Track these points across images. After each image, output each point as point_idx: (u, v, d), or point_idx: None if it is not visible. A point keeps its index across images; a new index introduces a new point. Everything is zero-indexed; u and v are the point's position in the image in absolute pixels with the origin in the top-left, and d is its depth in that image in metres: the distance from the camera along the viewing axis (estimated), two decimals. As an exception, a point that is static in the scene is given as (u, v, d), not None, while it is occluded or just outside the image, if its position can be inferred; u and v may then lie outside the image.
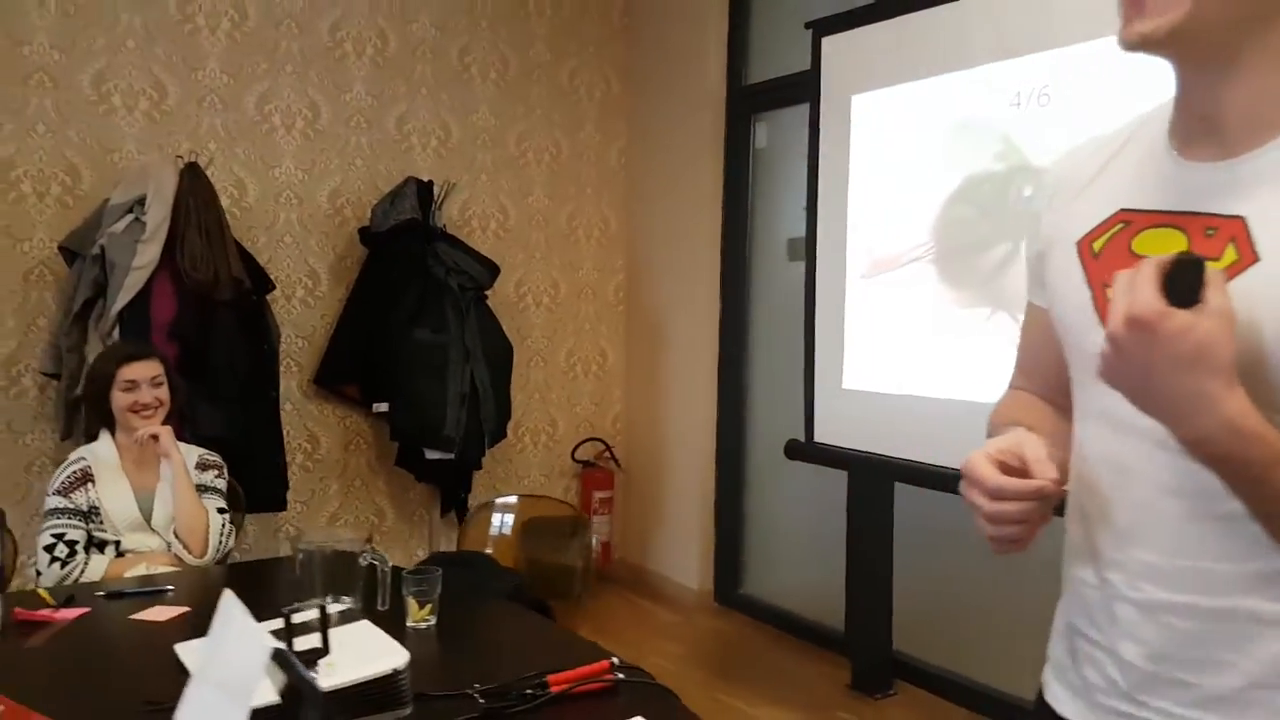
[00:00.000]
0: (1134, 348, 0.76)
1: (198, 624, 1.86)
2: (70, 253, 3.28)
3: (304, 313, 3.87)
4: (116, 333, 3.14)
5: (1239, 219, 0.82)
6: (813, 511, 3.88)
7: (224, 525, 2.45)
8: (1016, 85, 2.45)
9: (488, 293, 3.97)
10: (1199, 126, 0.88)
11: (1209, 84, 0.85)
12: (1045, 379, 1.09)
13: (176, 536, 2.38)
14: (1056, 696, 1.01)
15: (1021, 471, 0.88)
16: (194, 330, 3.20)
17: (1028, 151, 2.44)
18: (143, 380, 2.45)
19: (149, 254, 3.15)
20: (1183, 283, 0.75)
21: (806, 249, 3.07)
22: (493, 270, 3.92)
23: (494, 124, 4.26)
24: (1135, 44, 0.85)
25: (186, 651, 1.38)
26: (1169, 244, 0.86)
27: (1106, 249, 0.92)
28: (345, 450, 4.01)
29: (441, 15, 4.09)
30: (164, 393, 2.48)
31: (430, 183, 3.89)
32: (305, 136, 3.85)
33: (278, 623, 1.45)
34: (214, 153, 3.62)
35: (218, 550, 2.42)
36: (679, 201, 4.34)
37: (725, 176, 4.14)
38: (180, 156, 3.43)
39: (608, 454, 4.63)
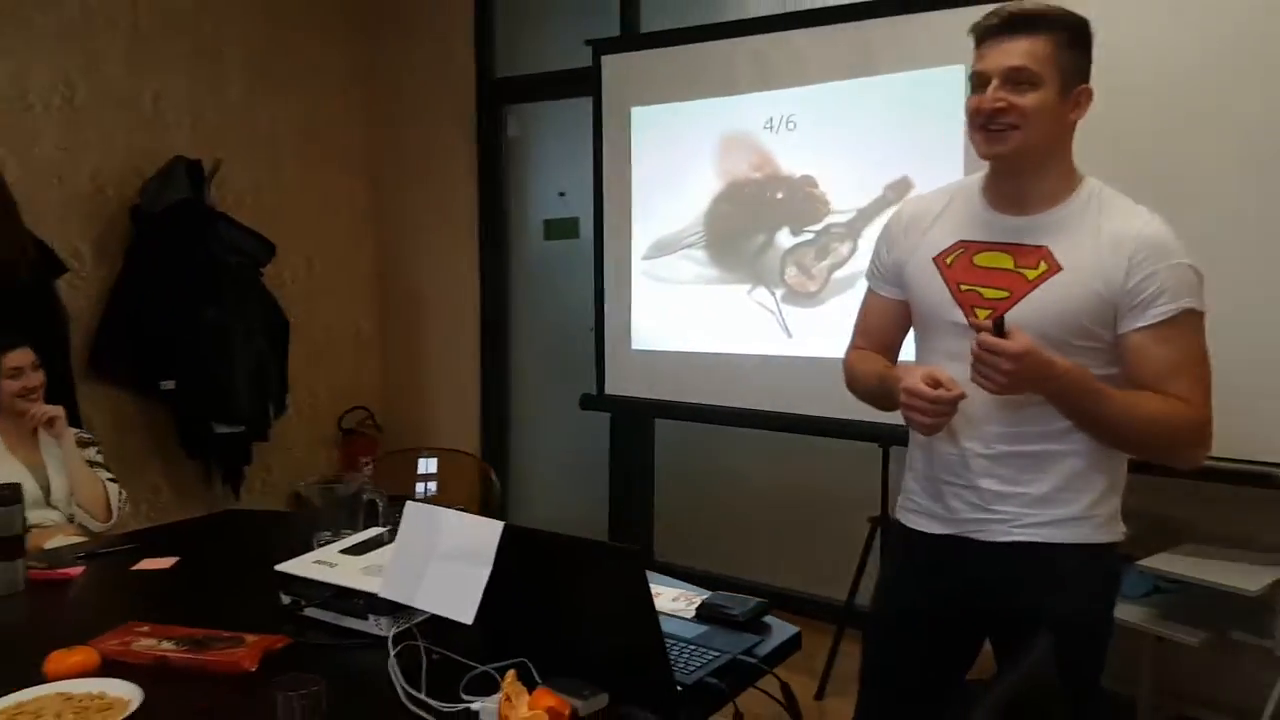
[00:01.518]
0: (1025, 364, 1.45)
1: (197, 568, 2.13)
2: None
3: (70, 294, 3.78)
4: (-96, 320, 3.01)
5: (1044, 247, 1.57)
6: (572, 455, 4.53)
7: (120, 491, 2.62)
8: (770, 111, 3.22)
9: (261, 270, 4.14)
10: (1007, 198, 1.61)
11: (1020, 179, 1.59)
12: (881, 342, 1.82)
13: (80, 507, 2.51)
14: (922, 525, 1.72)
15: (935, 386, 1.54)
16: (-4, 315, 3.14)
17: (780, 164, 3.23)
18: (25, 366, 2.54)
19: (-62, 238, 3.05)
20: (1000, 329, 1.48)
21: (595, 235, 3.67)
22: (269, 248, 4.10)
23: (245, 100, 4.37)
24: (991, 158, 1.58)
25: (294, 565, 1.73)
26: (1000, 260, 1.60)
27: (956, 263, 1.65)
28: (117, 431, 3.99)
29: (195, -7, 4.15)
30: (41, 375, 2.58)
31: (199, 161, 3.98)
32: (63, 115, 3.76)
33: (350, 540, 1.86)
34: (-31, 129, 3.47)
35: (118, 514, 2.58)
36: (433, 182, 4.73)
37: (479, 161, 4.61)
38: (-53, 135, 3.29)
39: (370, 421, 4.94)
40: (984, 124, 1.55)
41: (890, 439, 2.97)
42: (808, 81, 3.14)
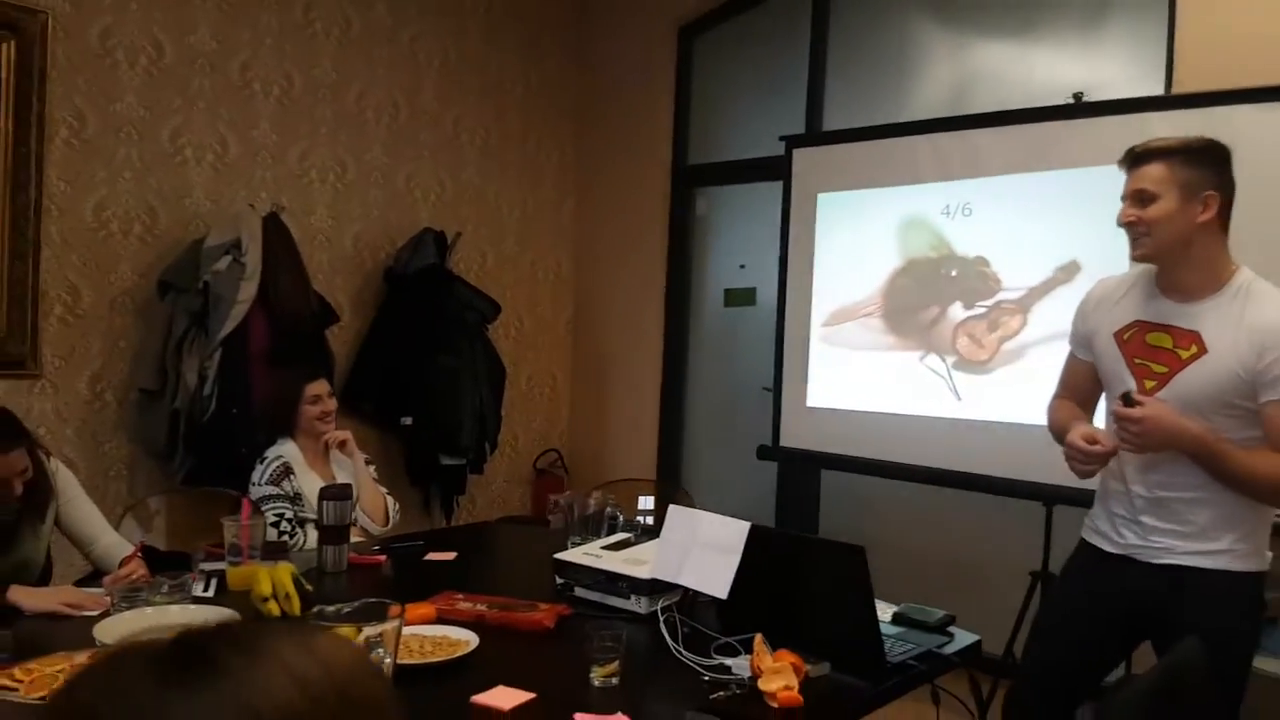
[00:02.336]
0: (1147, 427, 1.85)
1: (473, 560, 2.64)
2: (164, 285, 3.80)
3: (331, 340, 4.47)
4: (218, 356, 3.71)
5: (1196, 332, 1.93)
6: (741, 505, 4.91)
7: (394, 503, 3.19)
8: (948, 199, 3.61)
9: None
10: (1170, 285, 1.99)
11: (1170, 272, 1.97)
12: (1078, 394, 2.21)
13: (364, 513, 3.08)
14: (1098, 542, 2.10)
15: (1093, 441, 1.96)
16: (284, 355, 3.81)
17: (955, 246, 3.60)
18: (323, 394, 3.15)
19: (250, 290, 3.74)
20: (1131, 402, 1.87)
21: (778, 302, 4.11)
22: (495, 307, 4.73)
23: (478, 182, 5.06)
24: (1138, 260, 1.98)
25: (569, 555, 2.21)
26: (1164, 340, 1.97)
27: (1131, 338, 2.03)
28: (355, 458, 4.65)
29: (442, 90, 4.87)
30: (334, 402, 3.19)
31: (443, 233, 4.65)
32: (335, 189, 4.51)
33: (604, 541, 2.32)
34: (264, 200, 4.20)
35: (392, 521, 3.15)
36: (628, 253, 5.30)
37: (670, 236, 5.15)
38: (252, 205, 4.02)
39: (559, 463, 5.49)
40: (1128, 234, 2.00)
41: (1054, 498, 3.24)
42: (984, 174, 3.52)
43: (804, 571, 1.85)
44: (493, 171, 5.12)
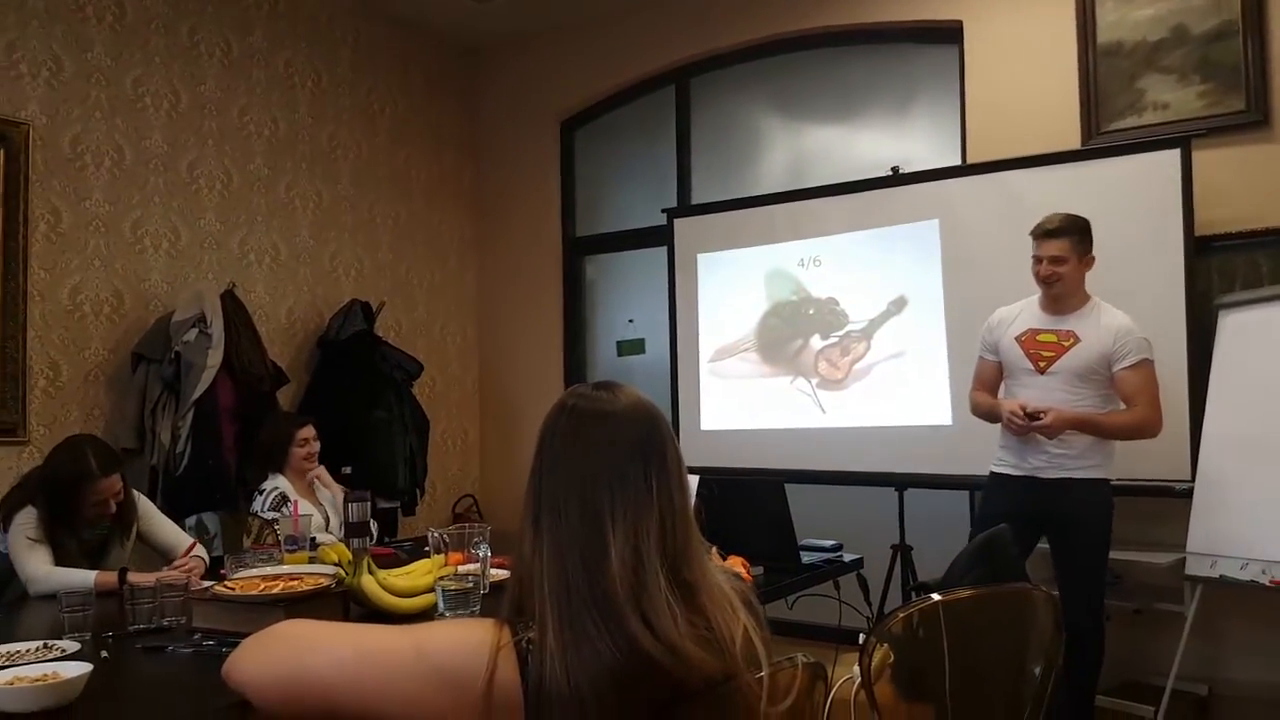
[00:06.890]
0: (1053, 423, 2.95)
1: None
2: (137, 357, 4.27)
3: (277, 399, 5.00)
4: (190, 416, 4.20)
5: (1073, 331, 3.00)
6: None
7: (376, 524, 3.76)
8: (801, 254, 4.53)
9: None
10: (1053, 305, 3.04)
11: (1061, 298, 3.02)
12: (988, 386, 3.22)
13: (350, 534, 3.65)
14: (1010, 471, 3.10)
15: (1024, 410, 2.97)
16: (248, 412, 4.33)
17: (810, 290, 4.51)
18: (310, 438, 3.72)
19: (216, 357, 4.26)
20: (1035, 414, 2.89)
21: (670, 349, 4.92)
22: (419, 366, 5.35)
23: (392, 259, 5.71)
24: (1054, 295, 3.06)
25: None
26: (1049, 337, 3.07)
27: (1026, 339, 3.07)
28: (296, 510, 5.13)
29: (357, 179, 5.52)
30: (318, 444, 3.76)
31: (368, 303, 5.26)
32: (271, 269, 5.07)
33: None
34: (211, 281, 4.73)
35: (373, 539, 3.72)
36: (527, 317, 6.03)
37: (564, 299, 5.91)
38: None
39: (475, 508, 6.07)
40: (1050, 280, 3.07)
41: (904, 484, 4.09)
42: (828, 233, 4.46)
43: (740, 503, 2.60)
44: (404, 249, 5.78)
